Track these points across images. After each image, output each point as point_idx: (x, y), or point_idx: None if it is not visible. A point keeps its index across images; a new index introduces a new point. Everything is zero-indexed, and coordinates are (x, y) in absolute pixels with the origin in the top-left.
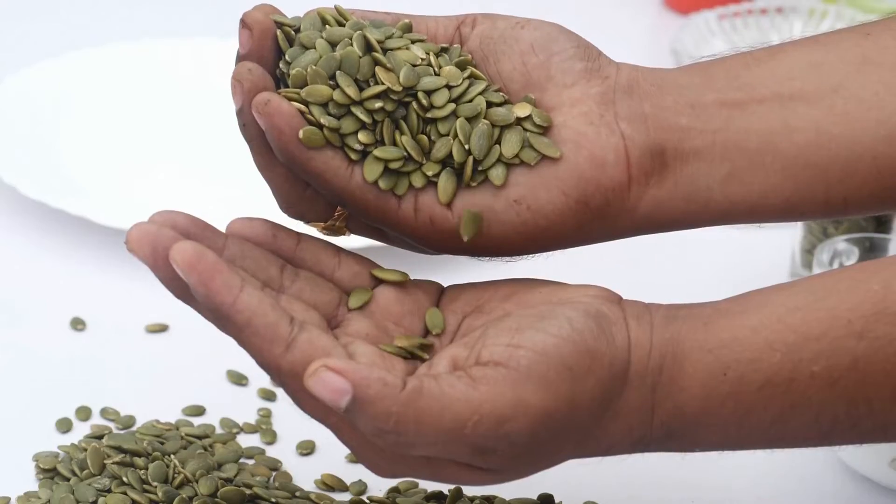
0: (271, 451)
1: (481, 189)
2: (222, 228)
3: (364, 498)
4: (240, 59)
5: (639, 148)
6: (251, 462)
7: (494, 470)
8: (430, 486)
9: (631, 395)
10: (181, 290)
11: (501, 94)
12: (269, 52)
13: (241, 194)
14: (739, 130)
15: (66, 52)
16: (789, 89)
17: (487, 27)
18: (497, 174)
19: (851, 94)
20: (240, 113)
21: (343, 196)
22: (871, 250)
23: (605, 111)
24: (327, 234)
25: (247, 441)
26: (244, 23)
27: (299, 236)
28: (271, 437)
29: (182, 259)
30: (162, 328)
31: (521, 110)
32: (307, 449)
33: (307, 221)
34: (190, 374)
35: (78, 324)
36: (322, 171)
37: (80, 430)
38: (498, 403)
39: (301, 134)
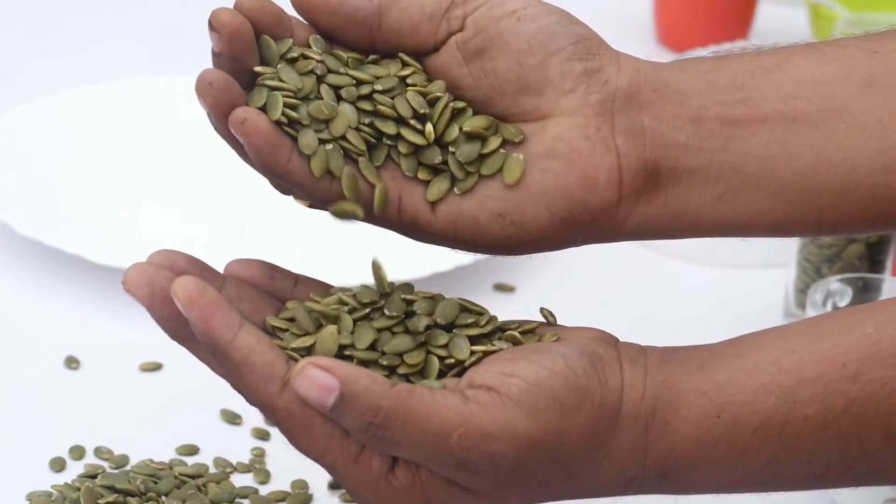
0: (265, 491)
1: (468, 198)
2: (219, 267)
3: None
4: (214, 56)
5: (633, 167)
6: (245, 502)
7: (481, 493)
8: None
9: (623, 435)
10: (177, 330)
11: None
12: (242, 51)
13: (238, 233)
14: (738, 152)
15: (62, 89)
16: (793, 109)
17: (482, 14)
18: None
19: (854, 119)
20: (209, 117)
21: (326, 201)
22: (864, 290)
23: (602, 123)
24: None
25: (240, 481)
26: (211, 25)
27: (296, 278)
28: (265, 477)
29: (183, 294)
30: (156, 367)
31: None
32: (301, 489)
33: (295, 199)
34: (184, 413)
35: (72, 362)
36: (302, 183)
37: (74, 470)
38: (486, 422)
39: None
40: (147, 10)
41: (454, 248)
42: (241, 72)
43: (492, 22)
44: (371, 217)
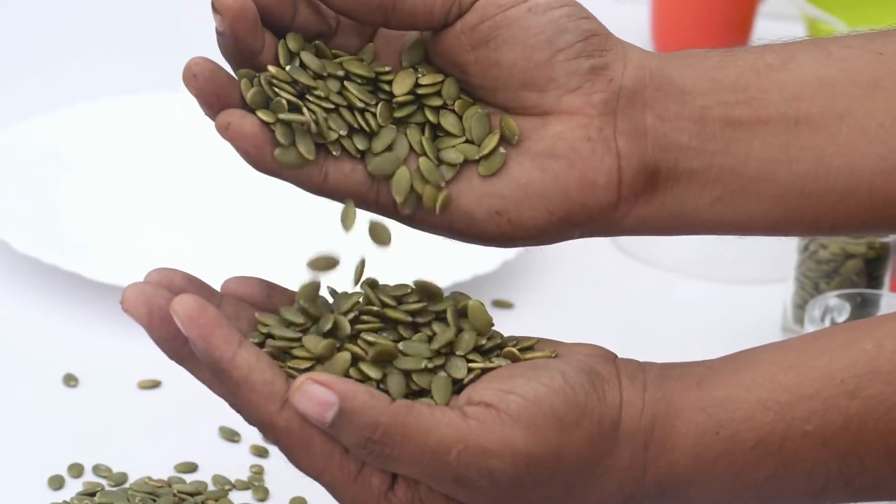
0: None
1: (466, 195)
2: (217, 284)
3: None
4: (218, 35)
5: (633, 168)
6: None
7: None
8: None
9: (622, 452)
10: (175, 350)
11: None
12: (244, 31)
13: (236, 250)
14: (739, 155)
15: (60, 106)
16: (795, 111)
17: (489, 2)
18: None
19: (857, 123)
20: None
21: (319, 195)
22: (862, 306)
23: (605, 124)
24: None
25: (239, 498)
26: (214, 7)
27: (293, 295)
28: (263, 494)
29: (183, 312)
30: (154, 384)
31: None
32: None
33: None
34: (182, 430)
35: (70, 380)
36: (295, 180)
37: (73, 488)
38: (485, 438)
39: (277, 155)
40: (145, 28)
41: (448, 237)
42: (243, 52)
43: (500, 10)
44: (368, 204)
